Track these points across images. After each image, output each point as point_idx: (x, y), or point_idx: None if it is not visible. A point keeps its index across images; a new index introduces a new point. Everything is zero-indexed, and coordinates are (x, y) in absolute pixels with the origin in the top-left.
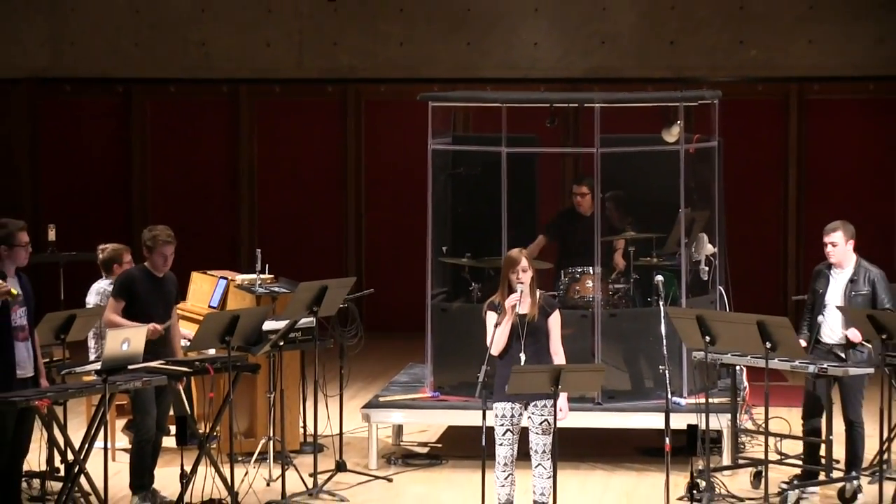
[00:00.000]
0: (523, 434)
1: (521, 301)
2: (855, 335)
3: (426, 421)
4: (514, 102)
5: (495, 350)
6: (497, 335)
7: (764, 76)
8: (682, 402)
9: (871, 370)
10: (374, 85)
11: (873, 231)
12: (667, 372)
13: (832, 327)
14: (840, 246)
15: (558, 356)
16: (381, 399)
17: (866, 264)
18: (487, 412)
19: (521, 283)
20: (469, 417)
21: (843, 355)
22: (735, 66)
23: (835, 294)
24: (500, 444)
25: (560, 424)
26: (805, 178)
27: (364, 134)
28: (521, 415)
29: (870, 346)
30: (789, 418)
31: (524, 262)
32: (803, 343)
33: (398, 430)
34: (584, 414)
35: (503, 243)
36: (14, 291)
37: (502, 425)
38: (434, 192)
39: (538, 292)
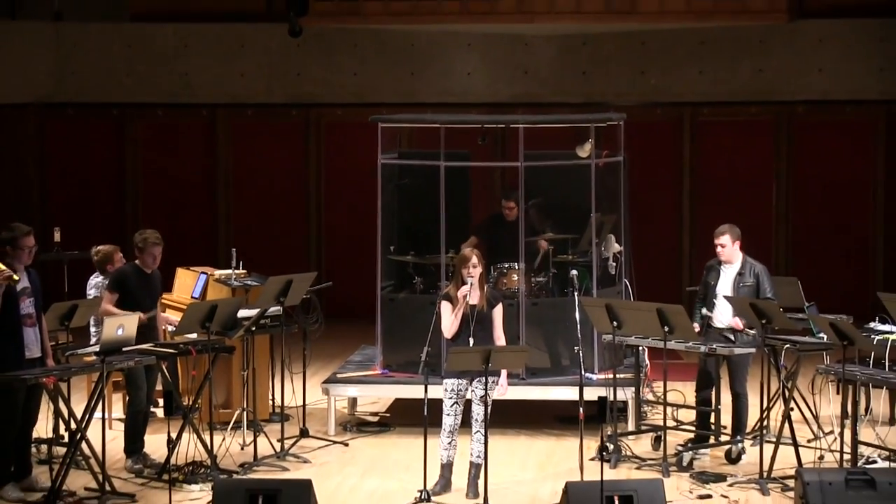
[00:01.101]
0: (466, 405)
1: (472, 293)
2: (737, 324)
3: (377, 394)
4: (451, 123)
5: (448, 333)
6: (451, 321)
7: (662, 101)
8: (594, 377)
9: (753, 350)
10: (331, 109)
11: (752, 231)
12: (580, 352)
13: (722, 313)
14: (728, 246)
15: (500, 341)
16: (339, 376)
17: (751, 260)
18: (428, 386)
19: (472, 276)
20: (413, 391)
21: (731, 337)
22: (637, 92)
23: (724, 285)
24: (447, 415)
25: (496, 398)
26: (696, 187)
27: (324, 151)
28: (466, 388)
29: (752, 332)
30: (684, 391)
31: (475, 260)
32: (696, 327)
33: (353, 402)
34: (510, 388)
35: (442, 243)
36: (15, 277)
37: (451, 398)
38: (383, 199)
39: (486, 287)
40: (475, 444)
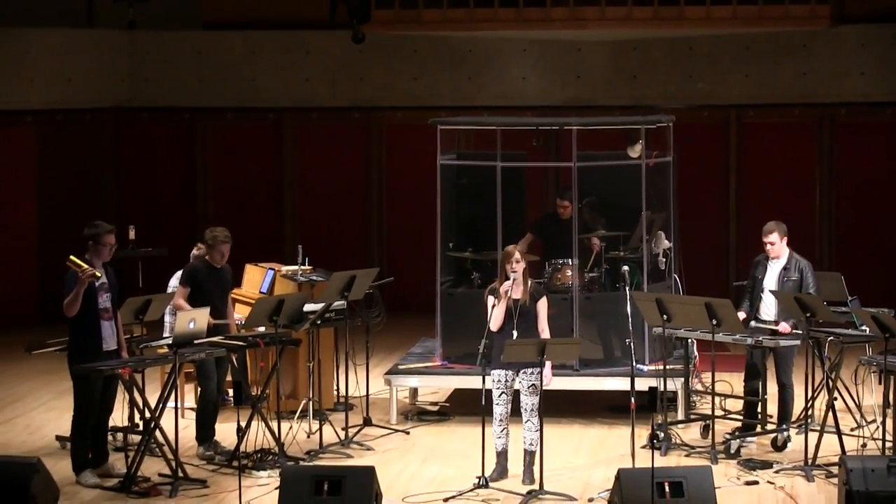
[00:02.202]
0: (515, 395)
1: (514, 287)
2: (785, 328)
3: (436, 385)
4: (507, 126)
5: (494, 326)
6: (495, 314)
7: (708, 104)
8: (645, 368)
9: (797, 342)
10: (392, 112)
11: (796, 228)
12: (632, 344)
13: (768, 306)
14: (777, 244)
15: (545, 333)
16: (400, 367)
17: (797, 256)
18: (486, 377)
19: (515, 272)
20: (471, 382)
21: (776, 328)
22: (685, 95)
23: (770, 280)
24: (497, 405)
25: (545, 388)
26: (742, 186)
27: (385, 152)
28: (513, 379)
29: (796, 337)
30: (731, 382)
31: (517, 255)
32: (742, 314)
33: (414, 392)
34: (564, 378)
35: (498, 240)
36: (98, 273)
37: (498, 388)
38: (442, 198)
39: (529, 281)
40: (527, 433)
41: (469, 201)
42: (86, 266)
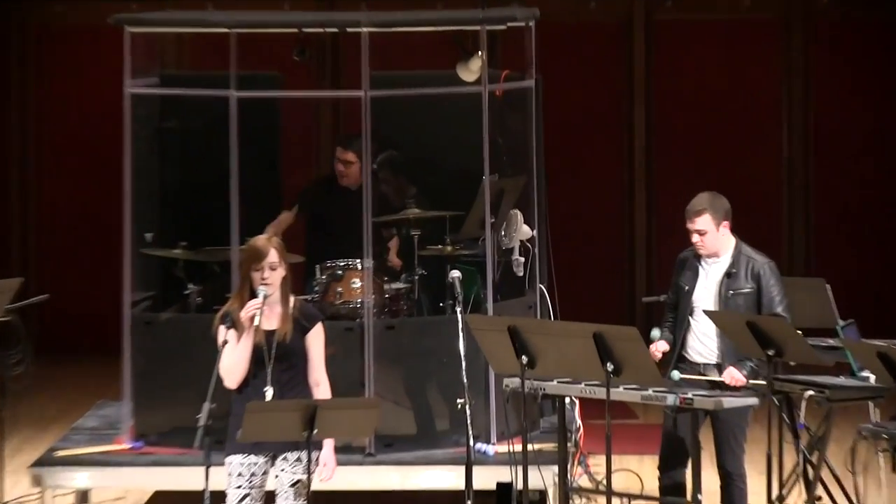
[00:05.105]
0: (269, 498)
1: (267, 311)
2: (735, 378)
3: (124, 483)
4: (248, 27)
5: (230, 381)
6: (232, 359)
7: None
8: (490, 450)
9: (753, 401)
10: (43, 4)
11: (751, 201)
12: (467, 407)
13: (702, 338)
14: (710, 233)
15: (321, 388)
16: (59, 454)
17: (749, 252)
18: (213, 469)
19: (268, 284)
20: (185, 478)
21: (718, 379)
22: None
23: (706, 293)
24: None
25: (322, 486)
26: (654, 129)
27: (32, 76)
28: (265, 473)
29: (751, 392)
30: (641, 470)
31: (273, 256)
32: (663, 346)
33: (82, 496)
34: (351, 469)
35: (233, 226)
36: None
37: (239, 487)
38: (134, 156)
39: (293, 299)
40: None
41: (182, 161)
42: None
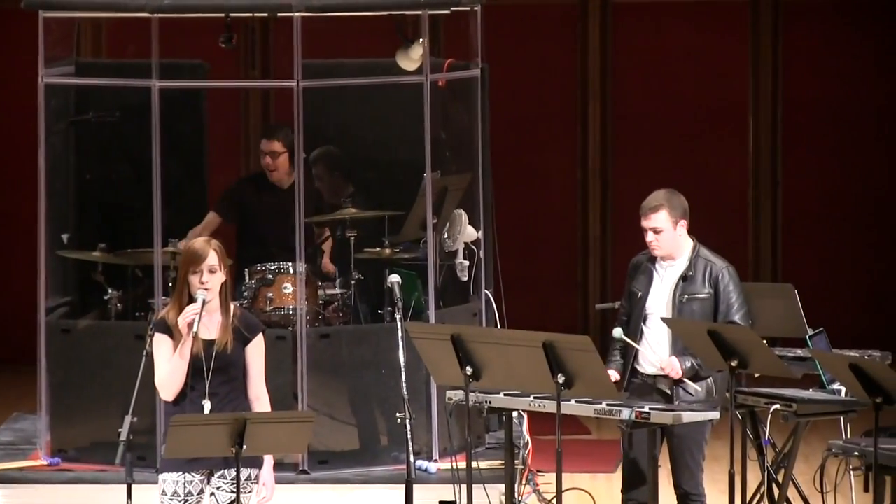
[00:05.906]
0: None
1: (206, 319)
2: (673, 369)
3: (40, 502)
4: (170, 11)
5: (167, 393)
6: (169, 370)
7: None
8: (432, 467)
9: (714, 415)
10: None
11: (711, 198)
12: (408, 422)
13: (656, 347)
14: (667, 232)
15: (261, 401)
16: None
17: (707, 254)
18: (136, 487)
19: (207, 288)
20: (106, 496)
21: (670, 391)
22: None
23: (660, 299)
24: None
25: None
26: (612, 114)
27: None
28: (201, 491)
29: (696, 388)
30: (593, 489)
31: (213, 259)
32: (614, 375)
33: None
34: (284, 488)
35: (156, 227)
36: None
37: None
38: (49, 150)
39: (232, 306)
40: None
41: (101, 154)
42: None
